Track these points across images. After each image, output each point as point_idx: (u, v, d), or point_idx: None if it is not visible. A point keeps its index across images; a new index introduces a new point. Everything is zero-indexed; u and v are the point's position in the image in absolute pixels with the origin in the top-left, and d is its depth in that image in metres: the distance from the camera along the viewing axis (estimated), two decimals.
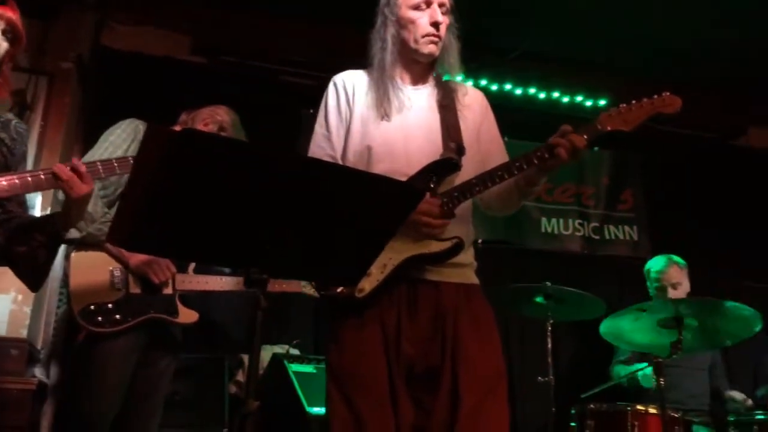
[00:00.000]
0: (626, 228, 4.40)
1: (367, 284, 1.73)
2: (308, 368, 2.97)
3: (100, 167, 1.81)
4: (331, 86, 1.96)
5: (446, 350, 1.71)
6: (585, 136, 1.71)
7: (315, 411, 2.70)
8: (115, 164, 1.84)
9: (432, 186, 1.78)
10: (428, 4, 1.86)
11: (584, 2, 3.76)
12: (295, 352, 3.21)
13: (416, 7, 1.86)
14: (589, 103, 4.48)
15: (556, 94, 4.46)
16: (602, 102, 4.46)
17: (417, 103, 1.90)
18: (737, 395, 3.45)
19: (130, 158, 1.87)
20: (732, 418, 2.89)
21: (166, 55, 3.87)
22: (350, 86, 1.93)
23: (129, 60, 3.75)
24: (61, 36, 3.58)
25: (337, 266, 1.48)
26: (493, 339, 1.78)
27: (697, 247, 3.71)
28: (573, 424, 2.90)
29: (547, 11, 3.87)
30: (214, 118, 2.40)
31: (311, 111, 3.52)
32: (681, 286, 3.47)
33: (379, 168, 1.77)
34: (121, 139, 2.24)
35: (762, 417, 2.65)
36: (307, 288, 2.75)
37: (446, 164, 1.81)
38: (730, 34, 4.06)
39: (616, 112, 1.75)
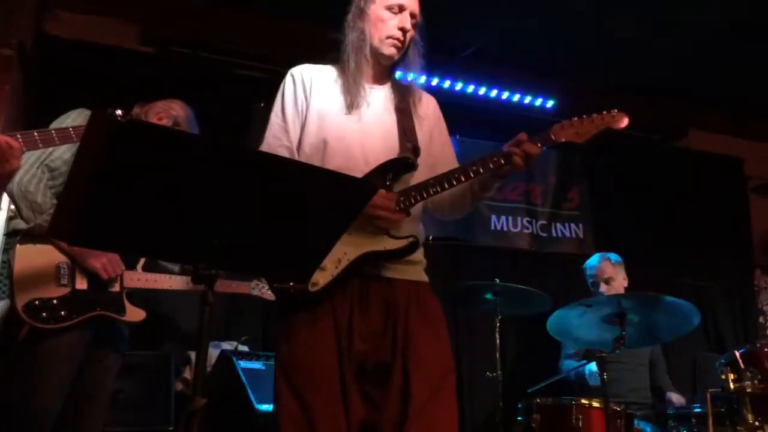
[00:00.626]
0: (572, 226, 4.50)
1: (321, 278, 1.73)
2: (257, 365, 2.94)
3: (37, 137, 1.76)
4: (288, 78, 1.96)
5: (397, 346, 1.73)
6: (539, 145, 1.79)
7: (263, 408, 2.68)
8: (54, 135, 1.79)
9: (388, 183, 1.80)
10: (401, 10, 1.89)
11: (532, 5, 3.83)
12: (243, 348, 3.17)
13: (389, 8, 1.89)
14: (537, 104, 4.56)
15: (505, 95, 4.53)
16: (550, 103, 4.55)
17: (375, 102, 1.92)
18: (675, 399, 3.54)
19: (70, 128, 1.81)
20: (671, 412, 3.00)
21: (114, 44, 3.76)
22: (308, 79, 1.94)
23: (74, 48, 3.62)
24: (0, 21, 3.44)
25: (289, 260, 1.47)
26: (443, 336, 1.81)
27: (638, 245, 3.82)
28: (520, 418, 2.96)
29: (497, 12, 3.91)
30: (168, 113, 2.35)
31: (262, 105, 3.48)
32: (614, 282, 3.55)
33: (335, 163, 1.77)
34: None
35: (699, 411, 2.75)
36: (256, 290, 2.74)
37: (403, 163, 1.83)
38: (673, 41, 4.20)
39: (569, 124, 1.85)
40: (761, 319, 4.91)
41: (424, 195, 1.80)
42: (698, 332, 4.33)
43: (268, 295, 2.81)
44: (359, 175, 1.76)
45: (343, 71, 1.91)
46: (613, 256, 3.67)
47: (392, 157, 1.82)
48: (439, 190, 1.80)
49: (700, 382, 3.85)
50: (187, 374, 3.08)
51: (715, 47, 4.26)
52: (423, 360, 1.71)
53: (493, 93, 4.50)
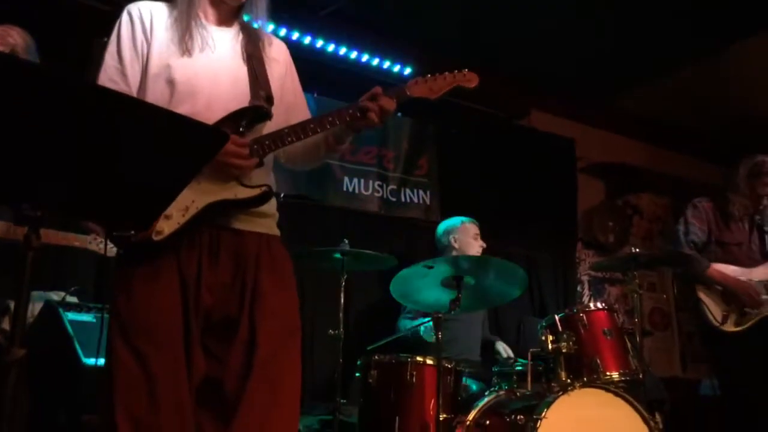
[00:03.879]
0: (420, 192, 4.65)
1: (166, 227, 1.62)
2: (87, 317, 2.76)
3: None
4: (124, 15, 1.79)
5: (245, 299, 1.67)
6: (394, 99, 1.78)
7: (91, 362, 2.53)
8: None
9: (241, 131, 1.72)
10: None
11: None
12: (72, 299, 2.96)
13: None
14: (396, 69, 4.62)
15: (365, 57, 4.54)
16: (408, 70, 4.63)
17: (222, 45, 1.81)
18: (503, 350, 3.84)
19: None
20: (496, 369, 3.22)
21: None
22: (147, 17, 1.77)
23: None
24: None
25: (128, 207, 1.38)
26: (292, 291, 1.78)
27: (479, 214, 4.03)
28: (358, 374, 3.04)
29: None
30: (5, 40, 2.13)
31: (105, 39, 3.21)
32: (474, 243, 3.76)
33: (182, 109, 1.66)
34: None
35: (520, 368, 2.98)
36: (93, 244, 2.57)
37: (257, 112, 1.76)
38: (521, 25, 4.43)
39: (423, 80, 1.86)
40: (579, 288, 5.42)
41: (279, 144, 1.74)
42: (525, 297, 4.69)
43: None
44: (207, 122, 1.67)
45: (183, 9, 1.77)
46: (468, 219, 3.87)
47: (245, 105, 1.74)
48: (294, 140, 1.74)
49: (523, 343, 4.17)
50: (6, 324, 2.82)
51: (558, 34, 4.56)
52: (271, 314, 1.68)
53: (353, 54, 4.49)
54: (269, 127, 1.78)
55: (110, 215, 1.52)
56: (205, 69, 1.75)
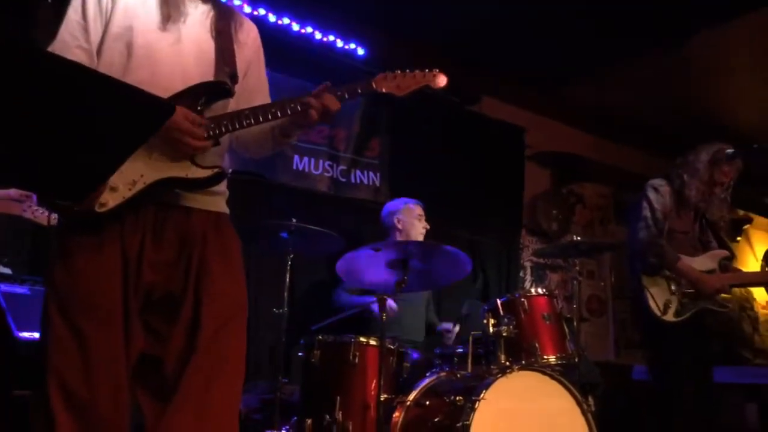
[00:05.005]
0: (371, 174, 4.65)
1: (111, 199, 1.58)
2: (21, 290, 2.67)
3: None
4: None
5: (190, 278, 1.64)
6: (346, 96, 1.77)
7: (26, 336, 2.46)
8: None
9: (199, 108, 1.68)
10: None
11: None
12: (5, 271, 2.86)
13: None
14: (350, 49, 4.58)
15: (319, 35, 4.49)
16: (361, 51, 4.58)
17: (192, 17, 1.76)
18: (447, 325, 3.91)
19: None
20: (438, 351, 3.26)
21: None
22: None
23: None
24: None
25: (61, 175, 1.32)
26: (239, 269, 1.76)
27: (427, 197, 4.06)
28: (300, 354, 3.04)
29: None
30: None
31: (49, 0, 3.08)
32: (413, 228, 3.79)
33: (138, 76, 1.61)
34: None
35: (461, 351, 3.03)
36: (28, 212, 2.49)
37: (218, 88, 1.72)
38: (473, 12, 4.45)
39: (392, 76, 1.85)
40: (522, 274, 5.54)
41: (237, 125, 1.70)
42: (469, 281, 4.77)
43: (42, 218, 2.57)
44: (165, 94, 1.62)
45: None
46: (412, 201, 3.89)
47: (208, 80, 1.71)
48: (252, 122, 1.71)
49: (466, 326, 4.24)
50: None
51: (512, 21, 4.61)
52: (216, 293, 1.65)
53: (308, 30, 4.44)
54: (230, 108, 1.75)
55: (41, 184, 1.46)
56: (170, 38, 1.71)
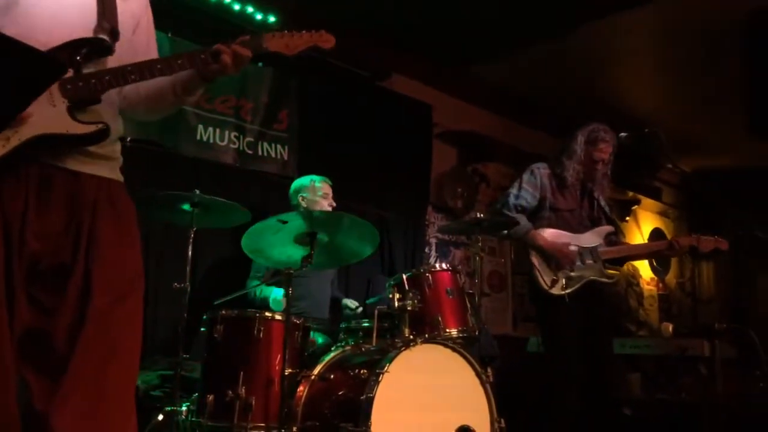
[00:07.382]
0: (278, 147, 4.56)
1: None
2: None
3: None
4: None
5: (80, 247, 1.55)
6: (249, 50, 1.72)
7: None
8: None
9: (78, 61, 1.58)
10: None
11: None
12: None
13: None
14: (259, 17, 4.46)
15: (228, 0, 4.34)
16: (272, 18, 4.49)
17: None
18: (351, 303, 3.94)
19: None
20: (343, 325, 3.28)
21: None
22: None
23: None
24: None
25: None
26: (134, 239, 1.68)
27: (335, 172, 4.04)
28: (203, 329, 2.97)
29: None
30: None
31: None
32: (318, 206, 3.76)
33: (13, 30, 1.48)
34: None
35: (367, 325, 3.06)
36: None
37: (97, 44, 1.63)
38: None
39: (280, 35, 1.81)
40: (427, 249, 5.64)
41: (120, 82, 1.61)
42: (375, 257, 4.81)
43: None
44: (43, 47, 1.50)
45: None
46: (318, 178, 3.86)
47: (87, 36, 1.61)
48: (137, 78, 1.62)
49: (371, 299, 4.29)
50: None
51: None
52: (109, 262, 1.57)
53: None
54: (111, 64, 1.66)
55: None
56: None
